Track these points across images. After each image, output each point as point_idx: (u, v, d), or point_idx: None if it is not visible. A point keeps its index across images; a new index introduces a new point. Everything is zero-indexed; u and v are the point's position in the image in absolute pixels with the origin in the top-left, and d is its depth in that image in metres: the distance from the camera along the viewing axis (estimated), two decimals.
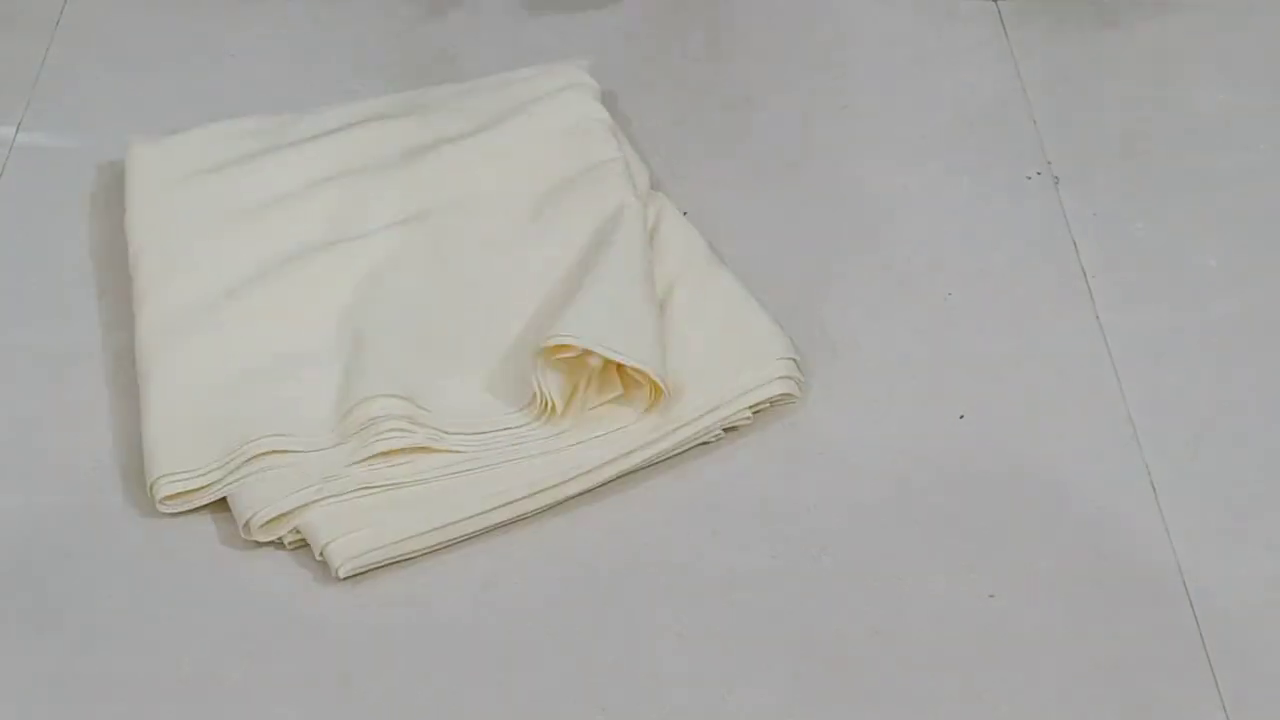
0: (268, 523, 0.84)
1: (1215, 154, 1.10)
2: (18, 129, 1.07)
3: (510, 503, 0.86)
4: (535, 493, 0.86)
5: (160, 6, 1.17)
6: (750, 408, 0.90)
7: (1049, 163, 1.09)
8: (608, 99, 1.07)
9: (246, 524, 0.84)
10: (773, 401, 0.91)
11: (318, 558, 0.83)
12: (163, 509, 0.85)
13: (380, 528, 0.84)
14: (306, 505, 0.84)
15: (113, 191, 1.03)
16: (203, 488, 0.85)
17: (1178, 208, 1.06)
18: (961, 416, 0.92)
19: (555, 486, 0.86)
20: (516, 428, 0.88)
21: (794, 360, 0.92)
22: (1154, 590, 0.85)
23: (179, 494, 0.85)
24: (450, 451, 0.87)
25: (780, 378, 0.91)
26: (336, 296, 0.93)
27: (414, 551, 0.84)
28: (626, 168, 1.00)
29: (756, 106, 1.12)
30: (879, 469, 0.90)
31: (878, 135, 1.10)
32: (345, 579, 0.83)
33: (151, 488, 0.85)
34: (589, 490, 0.87)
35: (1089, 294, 1.00)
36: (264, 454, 0.85)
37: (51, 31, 1.14)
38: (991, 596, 0.84)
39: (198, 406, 0.88)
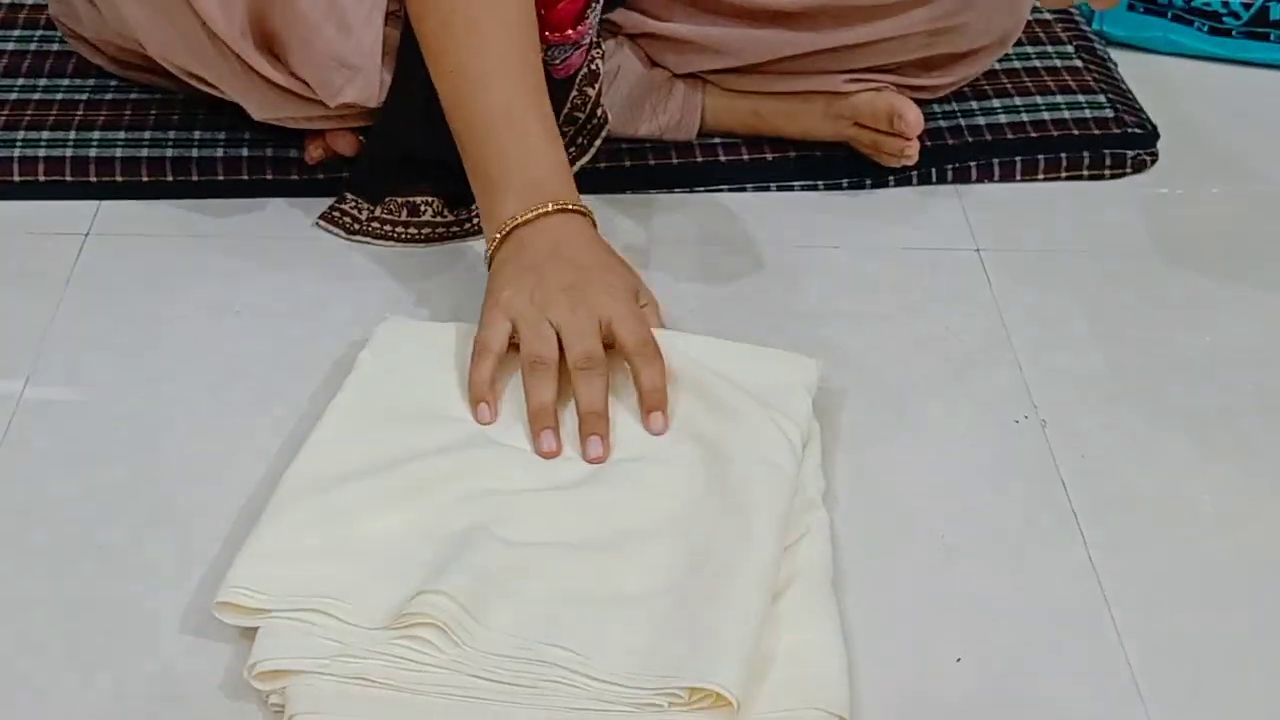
0: (264, 674, 0.86)
1: (1200, 394, 1.13)
2: (25, 384, 1.09)
3: None
4: None
5: (167, 267, 1.21)
6: None
7: (1035, 406, 1.11)
8: None
9: (251, 666, 0.86)
10: None
11: None
12: (215, 612, 0.89)
13: None
14: (303, 673, 0.86)
15: (117, 445, 1.05)
16: (254, 609, 0.88)
17: (1166, 448, 1.08)
18: (959, 659, 0.93)
19: None
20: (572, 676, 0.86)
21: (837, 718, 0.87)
22: None
23: (234, 605, 0.88)
24: (473, 677, 0.86)
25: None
26: (481, 510, 0.94)
27: None
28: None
29: None
30: (877, 713, 0.89)
31: (866, 381, 1.12)
32: None
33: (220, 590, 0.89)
34: None
35: (1081, 536, 1.01)
36: (314, 610, 0.88)
37: (61, 290, 1.17)
38: None
39: (296, 544, 0.91)
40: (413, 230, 1.24)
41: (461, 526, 0.93)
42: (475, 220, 1.23)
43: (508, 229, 1.05)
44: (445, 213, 1.24)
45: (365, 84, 1.17)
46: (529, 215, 1.05)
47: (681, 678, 0.85)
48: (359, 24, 1.15)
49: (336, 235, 1.23)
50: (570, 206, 1.07)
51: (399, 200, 1.24)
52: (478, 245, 1.21)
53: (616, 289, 1.04)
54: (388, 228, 1.23)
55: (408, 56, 1.17)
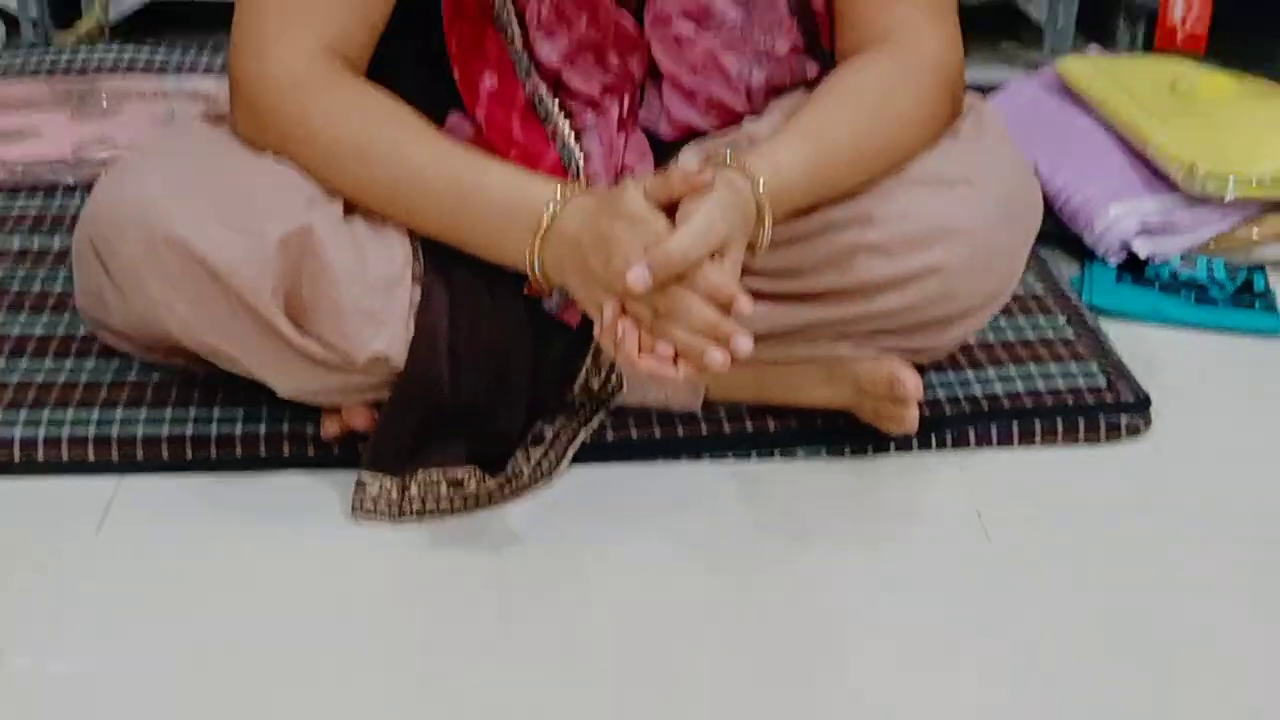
0: None
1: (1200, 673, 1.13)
2: (44, 662, 1.10)
3: None
4: None
5: (184, 549, 1.22)
6: None
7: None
8: None
9: None
10: None
11: None
12: None
13: None
14: None
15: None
16: None
17: None
18: None
19: None
20: None
21: None
22: None
23: None
24: None
25: None
26: None
27: None
28: None
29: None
30: None
31: (864, 648, 1.13)
32: None
33: None
34: None
35: None
36: None
37: (80, 565, 1.19)
38: None
39: None
40: (458, 502, 1.26)
41: None
42: (520, 479, 1.27)
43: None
44: (487, 479, 1.26)
45: (392, 337, 1.21)
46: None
47: None
48: (388, 283, 1.21)
49: (382, 522, 1.24)
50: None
51: (436, 474, 1.26)
52: (512, 505, 1.26)
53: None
54: (430, 503, 1.25)
55: (430, 311, 1.22)
